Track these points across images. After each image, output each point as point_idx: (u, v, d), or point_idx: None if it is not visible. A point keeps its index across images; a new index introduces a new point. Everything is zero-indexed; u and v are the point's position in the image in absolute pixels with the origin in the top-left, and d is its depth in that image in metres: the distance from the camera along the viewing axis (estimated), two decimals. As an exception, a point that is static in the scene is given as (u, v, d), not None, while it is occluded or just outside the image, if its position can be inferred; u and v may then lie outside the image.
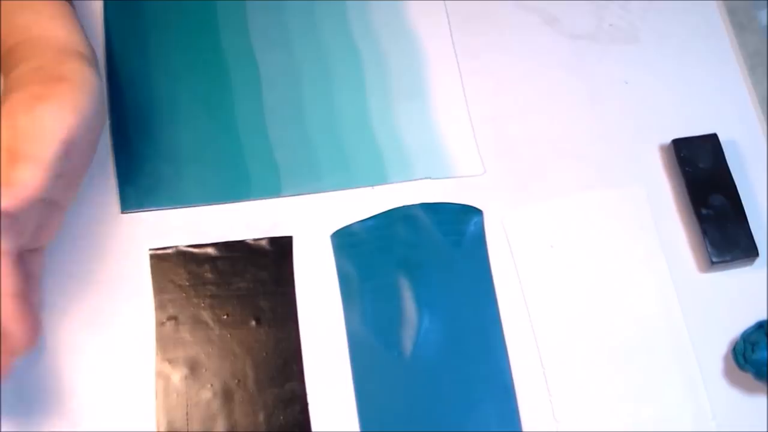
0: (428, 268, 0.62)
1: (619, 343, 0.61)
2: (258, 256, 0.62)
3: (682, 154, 0.65)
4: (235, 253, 0.62)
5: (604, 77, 0.69)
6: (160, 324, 0.60)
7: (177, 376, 0.59)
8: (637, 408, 0.59)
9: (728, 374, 0.60)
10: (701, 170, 0.65)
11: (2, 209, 0.50)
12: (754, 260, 0.63)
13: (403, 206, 0.64)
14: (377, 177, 0.65)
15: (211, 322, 0.60)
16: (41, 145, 0.51)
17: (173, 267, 0.62)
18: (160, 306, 0.60)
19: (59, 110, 0.52)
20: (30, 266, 0.55)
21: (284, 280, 0.62)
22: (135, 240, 0.62)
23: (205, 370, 0.59)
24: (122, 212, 0.63)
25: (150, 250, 0.62)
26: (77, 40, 0.57)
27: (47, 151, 0.51)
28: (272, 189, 0.64)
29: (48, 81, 0.53)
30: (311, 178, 0.65)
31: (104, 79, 0.65)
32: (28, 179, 0.51)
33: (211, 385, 0.58)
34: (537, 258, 0.63)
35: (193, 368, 0.59)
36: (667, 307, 0.62)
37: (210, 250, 0.62)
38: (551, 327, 0.61)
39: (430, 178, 0.65)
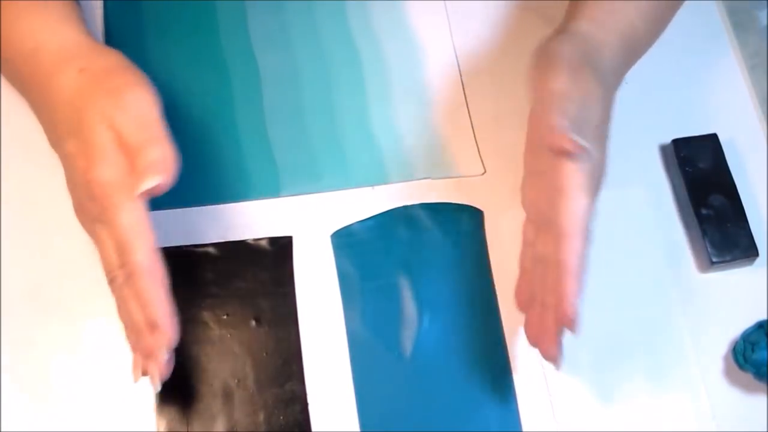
0: (428, 268, 0.62)
1: (619, 343, 0.61)
2: (258, 256, 0.62)
3: (682, 154, 0.65)
4: (235, 253, 0.62)
5: (604, 77, 0.69)
6: (160, 324, 0.60)
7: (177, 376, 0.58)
8: (637, 408, 0.59)
9: (728, 374, 0.60)
10: (701, 170, 0.65)
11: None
12: (754, 260, 0.63)
13: (403, 206, 0.64)
14: (377, 177, 0.65)
15: (211, 322, 0.60)
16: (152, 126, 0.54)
17: (173, 267, 0.61)
18: (160, 306, 0.60)
19: (144, 93, 0.55)
20: None
21: (284, 280, 0.62)
22: (135, 240, 0.62)
23: (205, 370, 0.59)
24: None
25: (150, 250, 0.62)
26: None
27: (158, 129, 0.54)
28: (272, 189, 0.64)
29: (106, 76, 0.55)
30: (311, 178, 0.65)
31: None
32: (161, 157, 0.53)
33: (211, 385, 0.58)
34: (537, 258, 0.63)
35: (193, 368, 0.59)
36: (667, 307, 0.62)
37: (210, 250, 0.62)
38: (551, 327, 0.61)
39: (430, 178, 0.65)
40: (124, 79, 0.55)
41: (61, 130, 0.55)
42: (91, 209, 0.54)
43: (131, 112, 0.54)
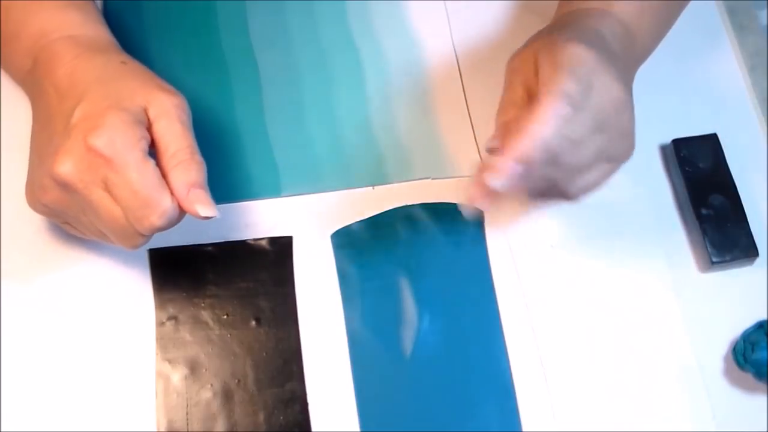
0: (428, 268, 0.62)
1: (619, 343, 0.61)
2: (258, 256, 0.62)
3: (682, 154, 0.65)
4: (235, 253, 0.62)
5: (604, 77, 0.69)
6: (160, 324, 0.60)
7: (177, 376, 0.59)
8: (637, 408, 0.59)
9: (728, 374, 0.60)
10: (701, 170, 0.65)
11: None
12: (754, 260, 0.63)
13: (403, 206, 0.64)
14: (377, 177, 0.65)
15: (211, 322, 0.60)
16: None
17: (173, 267, 0.62)
18: (160, 306, 0.60)
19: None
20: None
21: (284, 280, 0.62)
22: (135, 240, 0.62)
23: (205, 370, 0.59)
24: (122, 212, 0.63)
25: (150, 249, 0.62)
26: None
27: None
28: (272, 189, 0.64)
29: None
30: (311, 178, 0.65)
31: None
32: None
33: (211, 385, 0.59)
34: (537, 258, 0.63)
35: (193, 368, 0.59)
36: (667, 307, 0.62)
37: (210, 250, 0.62)
38: (551, 327, 0.61)
39: (430, 178, 0.65)
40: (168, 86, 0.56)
41: (72, 101, 0.54)
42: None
43: (172, 114, 0.54)
